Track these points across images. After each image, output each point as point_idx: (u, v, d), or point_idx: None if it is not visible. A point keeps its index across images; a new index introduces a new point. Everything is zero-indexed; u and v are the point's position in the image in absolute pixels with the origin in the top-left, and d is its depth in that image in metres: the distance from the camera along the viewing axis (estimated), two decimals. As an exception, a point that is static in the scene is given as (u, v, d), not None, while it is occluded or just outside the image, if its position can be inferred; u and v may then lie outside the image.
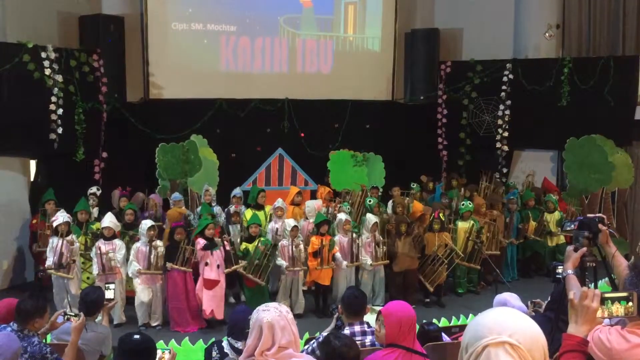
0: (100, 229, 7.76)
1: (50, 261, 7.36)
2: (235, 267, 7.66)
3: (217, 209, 9.27)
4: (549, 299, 4.51)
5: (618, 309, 2.43)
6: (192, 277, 7.61)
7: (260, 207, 9.10)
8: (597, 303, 2.35)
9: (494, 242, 9.16)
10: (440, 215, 8.64)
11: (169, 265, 7.46)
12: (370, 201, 9.21)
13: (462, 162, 12.02)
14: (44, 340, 4.42)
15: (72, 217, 7.99)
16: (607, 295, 2.43)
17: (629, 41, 11.46)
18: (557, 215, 10.01)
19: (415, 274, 8.40)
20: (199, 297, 7.55)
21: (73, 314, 4.38)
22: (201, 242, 7.47)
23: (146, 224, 7.57)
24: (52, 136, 9.32)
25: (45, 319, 4.32)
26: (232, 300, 8.48)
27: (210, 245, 7.47)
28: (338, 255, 8.08)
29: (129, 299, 7.78)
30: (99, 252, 7.41)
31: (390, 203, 9.56)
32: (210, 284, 7.53)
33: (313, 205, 9.01)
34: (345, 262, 8.10)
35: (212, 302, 7.53)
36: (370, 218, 8.38)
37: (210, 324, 7.63)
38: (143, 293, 7.55)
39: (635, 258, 7.72)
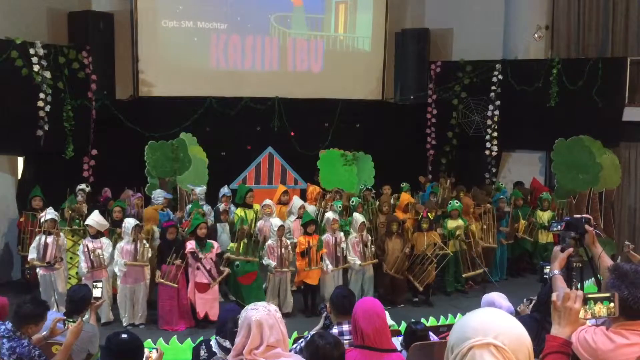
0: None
1: (34, 255, 7.32)
2: (219, 278, 7.63)
3: (206, 208, 9.24)
4: (534, 299, 4.54)
5: (601, 309, 2.45)
6: (184, 276, 7.59)
7: (248, 207, 9.09)
8: (580, 304, 2.37)
9: (490, 234, 9.22)
10: (429, 214, 8.67)
11: (157, 277, 7.42)
12: (352, 201, 9.22)
13: (445, 161, 12.06)
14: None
15: (60, 213, 7.96)
16: (589, 295, 2.45)
17: (618, 43, 11.56)
18: (549, 213, 10.09)
19: (404, 273, 8.42)
20: (192, 301, 7.53)
21: (71, 320, 4.37)
22: (190, 246, 7.47)
23: (130, 222, 7.53)
24: (40, 133, 9.26)
25: (40, 327, 4.31)
26: (220, 299, 8.46)
27: (198, 257, 7.45)
28: (326, 258, 8.07)
29: (115, 296, 7.76)
30: (86, 249, 7.38)
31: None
32: (203, 287, 7.52)
33: (298, 203, 9.04)
34: (330, 267, 8.07)
35: (205, 305, 7.53)
36: (358, 218, 8.37)
37: (199, 323, 7.61)
38: (125, 293, 7.53)
39: (622, 259, 7.79)
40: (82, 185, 9.34)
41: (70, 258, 7.94)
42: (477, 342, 1.76)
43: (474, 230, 9.10)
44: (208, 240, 7.62)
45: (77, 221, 8.17)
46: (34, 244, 7.45)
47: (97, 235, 7.56)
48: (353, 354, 3.50)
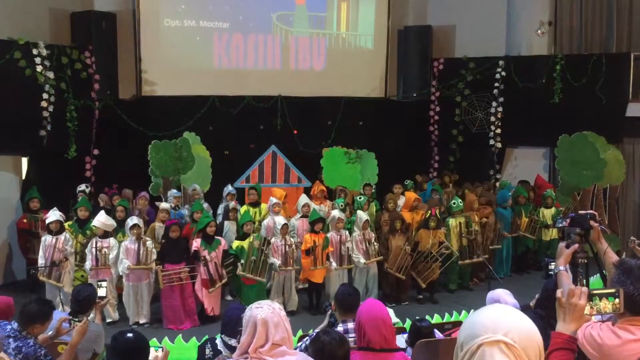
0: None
1: (42, 260, 7.34)
2: (217, 285, 7.66)
3: (205, 206, 9.23)
4: (538, 296, 4.54)
5: (606, 305, 2.46)
6: (187, 275, 7.60)
7: (254, 204, 9.11)
8: (585, 300, 2.36)
9: (491, 236, 9.23)
10: (437, 212, 8.66)
11: (160, 278, 7.43)
12: (360, 198, 9.21)
13: (452, 159, 12.04)
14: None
15: (74, 214, 8.02)
16: (595, 291, 2.45)
17: (621, 38, 11.53)
18: (553, 210, 10.07)
19: (406, 271, 8.41)
20: (199, 297, 7.57)
21: (77, 319, 4.38)
22: (195, 244, 7.50)
23: (132, 220, 7.56)
24: (43, 133, 9.28)
25: (46, 327, 4.32)
26: (228, 297, 8.48)
27: (198, 257, 7.48)
28: (331, 257, 8.08)
29: (120, 296, 7.78)
30: (93, 247, 7.42)
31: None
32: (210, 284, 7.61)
33: (303, 201, 9.03)
34: (334, 264, 8.10)
35: (212, 299, 7.66)
36: (362, 216, 8.37)
37: (204, 322, 7.63)
38: (129, 291, 7.55)
39: (626, 254, 7.77)
40: (82, 187, 9.34)
41: (78, 261, 7.93)
42: (487, 339, 1.75)
43: (475, 220, 9.12)
44: (216, 237, 7.65)
45: (87, 232, 8.12)
46: (40, 245, 7.49)
47: (105, 235, 7.59)
48: (357, 356, 3.49)
